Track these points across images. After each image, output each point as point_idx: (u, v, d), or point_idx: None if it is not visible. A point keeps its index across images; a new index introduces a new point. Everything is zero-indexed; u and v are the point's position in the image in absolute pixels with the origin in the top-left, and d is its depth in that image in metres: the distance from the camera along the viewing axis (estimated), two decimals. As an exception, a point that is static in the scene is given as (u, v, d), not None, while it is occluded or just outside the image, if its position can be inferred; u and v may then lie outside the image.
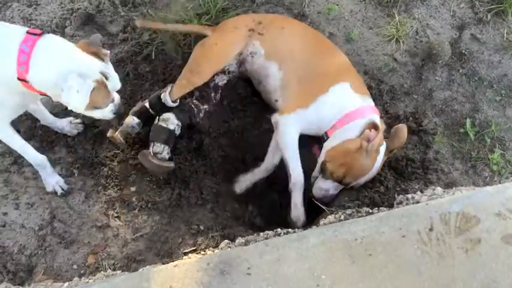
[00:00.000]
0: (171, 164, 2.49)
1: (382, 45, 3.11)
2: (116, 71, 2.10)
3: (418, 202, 2.07)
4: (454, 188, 2.21)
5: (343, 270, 1.79)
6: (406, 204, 2.10)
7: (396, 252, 1.83)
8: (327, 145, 2.38)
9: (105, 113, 2.11)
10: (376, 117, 2.38)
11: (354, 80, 2.46)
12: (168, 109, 2.54)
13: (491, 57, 3.18)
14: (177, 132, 2.54)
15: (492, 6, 3.27)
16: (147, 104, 2.57)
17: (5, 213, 2.39)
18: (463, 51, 3.15)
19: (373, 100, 2.87)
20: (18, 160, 2.49)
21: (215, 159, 2.69)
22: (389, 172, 2.59)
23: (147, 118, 2.58)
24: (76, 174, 2.53)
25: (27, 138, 2.51)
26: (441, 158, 2.78)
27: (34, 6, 3.00)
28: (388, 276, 1.78)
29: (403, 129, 2.36)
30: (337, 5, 3.17)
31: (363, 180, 2.33)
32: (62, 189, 2.44)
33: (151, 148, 2.48)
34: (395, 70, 3.05)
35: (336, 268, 1.80)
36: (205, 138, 2.69)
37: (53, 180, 2.42)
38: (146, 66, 2.86)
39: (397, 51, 3.10)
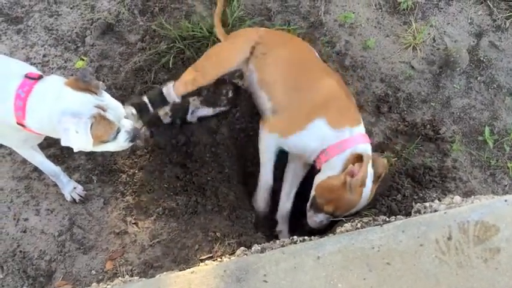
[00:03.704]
0: (142, 144, 2.61)
1: (399, 53, 3.10)
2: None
3: (436, 211, 2.04)
4: (472, 197, 2.18)
5: (360, 278, 1.78)
6: (424, 212, 2.08)
7: (414, 261, 1.81)
8: (316, 180, 2.36)
9: (119, 143, 2.01)
10: (362, 147, 2.29)
11: (332, 113, 2.35)
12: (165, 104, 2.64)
13: (510, 64, 3.14)
14: (165, 121, 2.64)
15: (511, 13, 3.24)
16: (145, 99, 2.61)
17: (26, 219, 2.44)
18: (481, 59, 3.12)
19: (390, 108, 2.88)
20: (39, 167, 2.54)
21: (229, 167, 2.71)
22: (406, 180, 2.57)
23: (142, 113, 2.61)
24: (95, 181, 2.56)
25: (48, 145, 2.55)
26: (459, 166, 2.75)
27: (55, 16, 3.07)
28: (405, 285, 1.76)
29: (378, 160, 2.34)
30: (354, 12, 3.17)
31: (354, 210, 2.30)
32: (80, 196, 2.47)
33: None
34: (412, 78, 3.03)
35: (352, 276, 1.79)
36: (219, 146, 2.71)
37: (69, 188, 2.46)
38: (164, 75, 2.89)
39: (414, 59, 3.09)
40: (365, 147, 2.31)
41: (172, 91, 2.58)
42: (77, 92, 1.86)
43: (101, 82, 1.95)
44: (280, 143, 2.47)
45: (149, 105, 2.60)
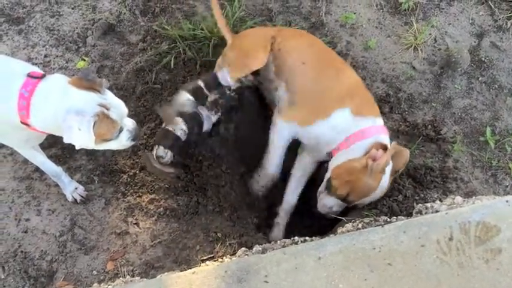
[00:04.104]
0: (172, 170, 2.49)
1: (400, 53, 3.10)
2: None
3: (437, 211, 2.04)
4: (474, 197, 2.17)
5: (361, 279, 1.78)
6: (425, 213, 2.08)
7: (415, 261, 1.81)
8: (333, 163, 2.36)
9: (121, 142, 2.03)
10: (384, 137, 2.33)
11: (356, 102, 2.38)
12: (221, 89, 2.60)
13: (511, 64, 3.14)
14: (182, 138, 2.52)
15: (512, 14, 3.24)
16: (201, 83, 2.58)
17: (27, 219, 2.44)
18: (483, 59, 3.12)
19: (391, 108, 2.88)
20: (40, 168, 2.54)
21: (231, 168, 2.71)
22: (407, 181, 2.57)
23: (198, 97, 2.57)
24: (96, 181, 2.57)
25: (49, 145, 2.56)
26: (461, 167, 2.75)
27: (56, 16, 3.07)
28: (406, 286, 1.76)
29: (405, 151, 2.34)
30: (355, 13, 3.17)
31: (367, 200, 2.30)
32: (81, 196, 2.47)
33: (154, 151, 2.47)
34: (413, 78, 3.03)
35: (354, 277, 1.79)
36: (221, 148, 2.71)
37: (71, 189, 2.46)
38: (165, 75, 2.90)
39: (416, 59, 3.09)
40: (387, 138, 2.34)
41: (228, 76, 2.54)
42: (80, 91, 1.88)
43: (104, 80, 1.96)
44: (298, 132, 2.45)
45: (205, 89, 2.58)
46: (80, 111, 1.83)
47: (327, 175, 2.37)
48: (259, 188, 2.63)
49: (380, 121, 2.40)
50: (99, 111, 1.87)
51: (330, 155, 2.40)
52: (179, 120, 2.51)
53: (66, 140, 1.83)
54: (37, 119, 1.91)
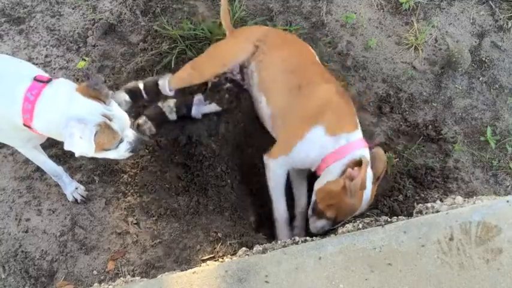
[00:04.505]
0: (147, 139, 2.62)
1: (400, 53, 3.10)
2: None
3: (437, 211, 2.04)
4: (474, 197, 2.18)
5: (361, 279, 1.78)
6: (426, 213, 2.08)
7: (416, 261, 1.81)
8: (316, 185, 2.35)
9: (120, 152, 2.05)
10: (359, 152, 2.27)
11: (329, 120, 2.32)
12: (164, 97, 2.67)
13: (512, 64, 3.14)
14: (170, 116, 2.65)
15: (513, 14, 3.24)
16: (141, 85, 2.66)
17: (28, 219, 2.44)
18: (483, 59, 3.12)
19: (391, 108, 2.88)
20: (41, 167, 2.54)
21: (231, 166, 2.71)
22: (408, 181, 2.57)
23: (136, 99, 2.68)
24: (97, 181, 2.57)
25: (50, 145, 2.56)
26: (461, 167, 2.75)
27: (57, 16, 3.07)
28: (407, 286, 1.76)
29: (379, 152, 2.32)
30: (355, 13, 3.17)
31: (356, 213, 2.29)
32: (82, 196, 2.48)
33: (138, 119, 2.61)
34: (414, 78, 3.03)
35: (354, 277, 1.79)
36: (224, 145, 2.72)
37: (71, 189, 2.47)
38: (166, 75, 2.90)
39: (416, 59, 3.09)
40: (362, 151, 2.29)
41: (167, 84, 2.62)
42: (86, 99, 1.90)
43: (111, 92, 1.99)
44: (287, 163, 2.44)
45: (143, 93, 2.65)
46: (83, 120, 1.85)
47: (313, 198, 2.36)
48: (287, 234, 2.52)
49: (355, 135, 2.33)
50: (102, 122, 1.89)
51: (317, 172, 2.39)
52: (171, 100, 2.67)
53: (66, 147, 1.84)
54: (40, 123, 1.92)
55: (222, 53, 2.63)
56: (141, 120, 2.62)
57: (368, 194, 2.24)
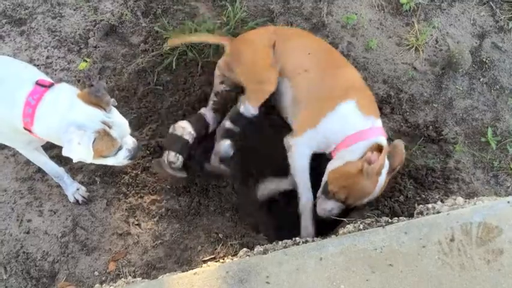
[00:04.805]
0: (184, 174, 2.51)
1: (401, 54, 3.10)
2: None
3: (438, 212, 2.05)
4: (475, 198, 2.18)
5: (362, 280, 1.78)
6: (427, 214, 2.08)
7: (416, 262, 1.81)
8: (330, 166, 2.35)
9: (119, 159, 2.06)
10: (381, 139, 2.31)
11: (362, 98, 2.39)
12: (249, 121, 2.56)
13: (512, 65, 3.14)
14: (190, 141, 2.54)
15: (513, 14, 3.24)
16: (228, 124, 2.56)
17: (29, 220, 2.45)
18: (484, 60, 3.12)
19: (392, 109, 2.88)
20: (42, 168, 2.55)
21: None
22: (409, 181, 2.57)
23: (233, 137, 2.57)
24: (98, 182, 2.57)
25: (51, 146, 2.56)
26: (462, 168, 2.75)
27: (58, 18, 3.08)
28: (408, 287, 1.76)
29: (400, 145, 2.31)
30: (356, 14, 3.18)
31: (365, 200, 2.30)
32: (83, 197, 2.48)
33: (165, 157, 2.49)
34: (415, 79, 3.03)
35: (355, 278, 1.79)
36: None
37: (72, 190, 2.47)
38: (167, 76, 2.91)
39: (417, 60, 3.09)
40: (384, 140, 2.33)
41: (250, 107, 2.50)
42: (86, 106, 1.90)
43: (112, 99, 1.99)
44: (311, 141, 2.41)
45: (233, 128, 2.57)
46: (82, 126, 1.85)
47: (324, 179, 2.36)
48: (311, 230, 2.41)
49: (379, 123, 2.39)
50: (101, 129, 1.90)
51: (329, 155, 2.40)
52: (186, 124, 2.54)
53: (65, 153, 1.85)
54: (40, 128, 1.93)
55: (262, 60, 2.53)
56: (172, 156, 2.48)
57: (381, 182, 2.24)
